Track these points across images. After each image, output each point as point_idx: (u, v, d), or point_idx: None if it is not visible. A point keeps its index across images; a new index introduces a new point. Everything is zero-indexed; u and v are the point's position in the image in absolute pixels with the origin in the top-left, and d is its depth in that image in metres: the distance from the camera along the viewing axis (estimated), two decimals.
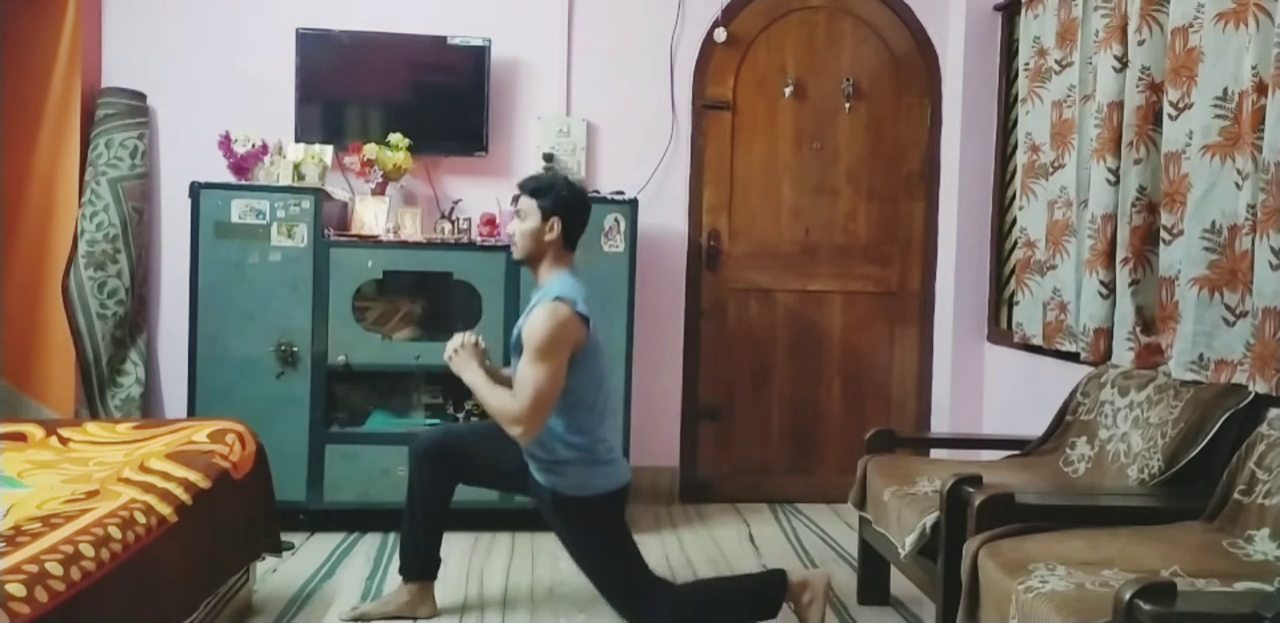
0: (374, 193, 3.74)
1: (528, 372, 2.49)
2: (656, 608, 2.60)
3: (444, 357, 2.68)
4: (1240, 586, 1.87)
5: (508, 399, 2.51)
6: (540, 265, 2.67)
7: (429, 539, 2.81)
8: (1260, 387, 2.34)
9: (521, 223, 2.64)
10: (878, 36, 4.19)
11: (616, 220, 3.62)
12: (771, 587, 2.66)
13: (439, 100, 3.91)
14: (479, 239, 3.67)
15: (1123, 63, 2.97)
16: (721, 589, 2.74)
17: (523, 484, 2.70)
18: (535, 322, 2.50)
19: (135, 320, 3.82)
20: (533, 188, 2.66)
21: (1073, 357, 3.25)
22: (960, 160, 4.02)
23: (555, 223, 2.62)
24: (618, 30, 4.07)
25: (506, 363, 2.86)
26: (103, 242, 3.70)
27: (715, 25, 4.08)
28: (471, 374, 2.62)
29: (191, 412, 3.45)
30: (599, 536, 2.64)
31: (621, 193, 3.73)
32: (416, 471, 2.77)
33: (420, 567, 2.82)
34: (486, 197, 3.87)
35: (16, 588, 1.61)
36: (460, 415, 3.66)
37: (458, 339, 2.68)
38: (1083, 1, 3.21)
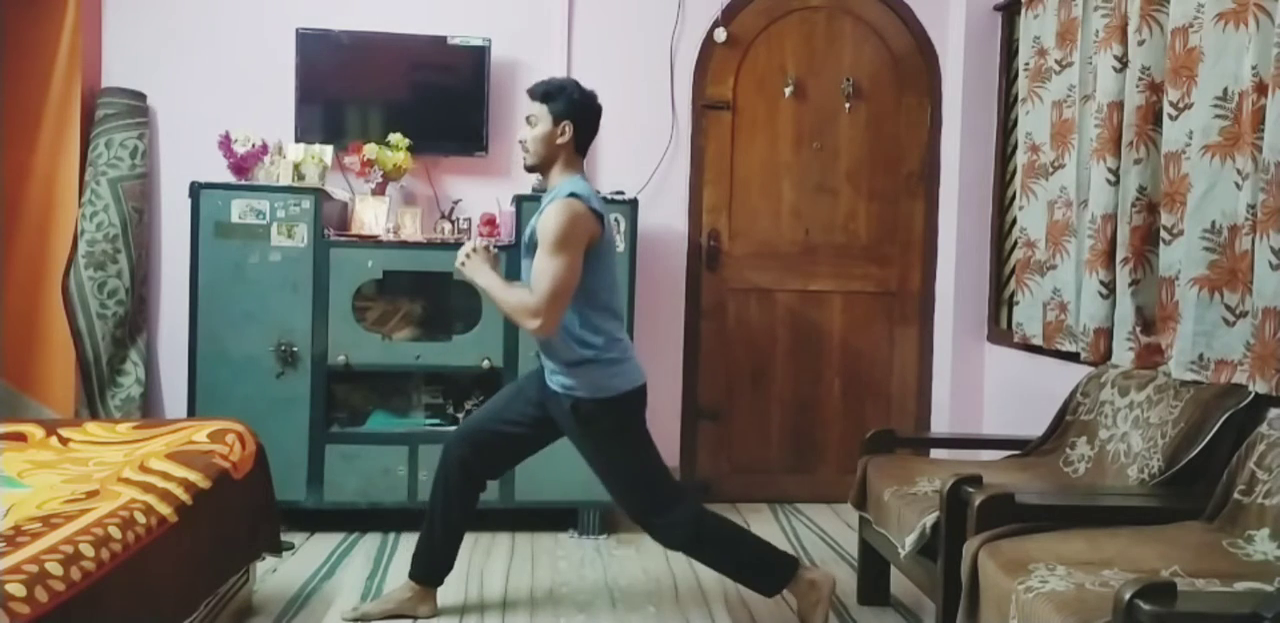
0: (374, 193, 3.74)
1: (545, 263, 2.47)
2: (676, 517, 2.60)
3: (455, 264, 2.65)
4: (1240, 586, 1.87)
5: (525, 294, 2.51)
6: (552, 170, 2.66)
7: (445, 547, 2.81)
8: (1260, 387, 2.34)
9: (532, 128, 2.64)
10: (878, 36, 4.19)
11: (616, 220, 3.61)
12: (783, 566, 2.67)
13: (439, 100, 3.90)
14: (479, 239, 3.66)
15: (1123, 63, 2.97)
16: (742, 536, 2.73)
17: (544, 419, 2.68)
18: (549, 217, 2.49)
19: (135, 320, 3.82)
20: (543, 91, 2.65)
21: (1073, 357, 3.25)
22: (960, 160, 4.02)
23: (566, 126, 2.62)
24: (618, 30, 4.07)
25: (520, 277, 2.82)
26: (103, 242, 3.70)
27: (715, 25, 4.08)
28: (486, 277, 2.60)
29: (191, 412, 3.45)
30: (620, 438, 2.63)
31: (621, 193, 3.73)
32: (441, 481, 2.77)
33: (431, 572, 2.82)
34: (486, 197, 3.87)
35: (16, 588, 1.61)
36: (460, 416, 3.65)
37: (469, 244, 2.66)
38: (1083, 1, 3.21)
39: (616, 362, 2.62)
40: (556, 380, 2.63)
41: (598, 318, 2.59)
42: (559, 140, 2.62)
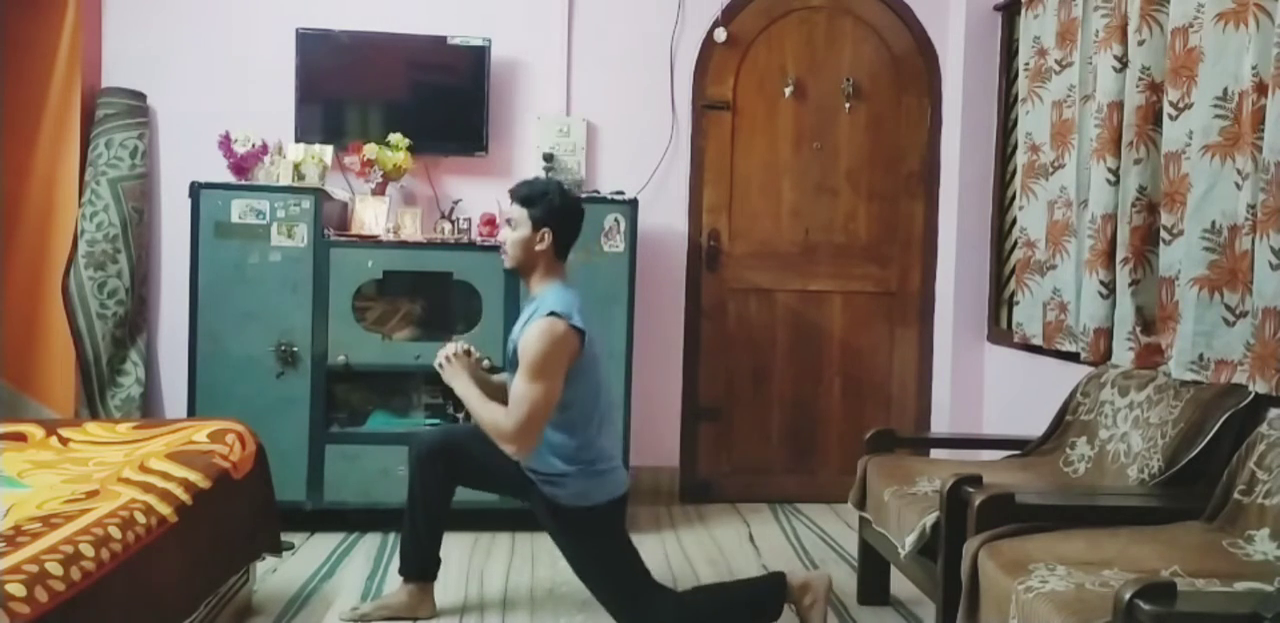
0: (374, 193, 3.74)
1: (522, 389, 2.47)
2: (657, 616, 2.59)
3: (435, 365, 2.67)
4: (1240, 586, 1.87)
5: (500, 416, 2.50)
6: (532, 275, 2.65)
7: (429, 540, 2.81)
8: (1260, 387, 2.34)
9: (512, 232, 2.62)
10: (878, 36, 4.19)
11: (616, 220, 3.62)
12: (772, 590, 2.66)
13: (439, 100, 3.90)
14: (479, 239, 3.67)
15: (1123, 63, 2.97)
16: (723, 595, 2.72)
17: (522, 490, 2.69)
18: (530, 339, 2.49)
19: (135, 320, 3.82)
20: (524, 195, 2.63)
21: (1073, 357, 3.25)
22: (960, 160, 4.02)
23: (546, 233, 2.60)
24: (618, 30, 4.07)
25: (504, 368, 2.85)
26: (103, 242, 3.70)
27: (715, 25, 4.08)
28: (463, 386, 2.61)
29: (191, 412, 3.45)
30: (599, 544, 2.64)
31: (621, 193, 3.73)
32: (416, 472, 2.77)
33: (420, 568, 2.82)
34: (486, 197, 3.87)
35: (16, 588, 1.61)
36: (460, 416, 3.65)
37: (450, 348, 2.66)
38: (1083, 1, 3.21)
39: (599, 473, 2.62)
40: (538, 486, 2.63)
41: (580, 432, 2.59)
42: (538, 247, 2.60)
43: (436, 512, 2.79)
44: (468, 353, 2.67)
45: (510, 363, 2.63)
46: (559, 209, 2.61)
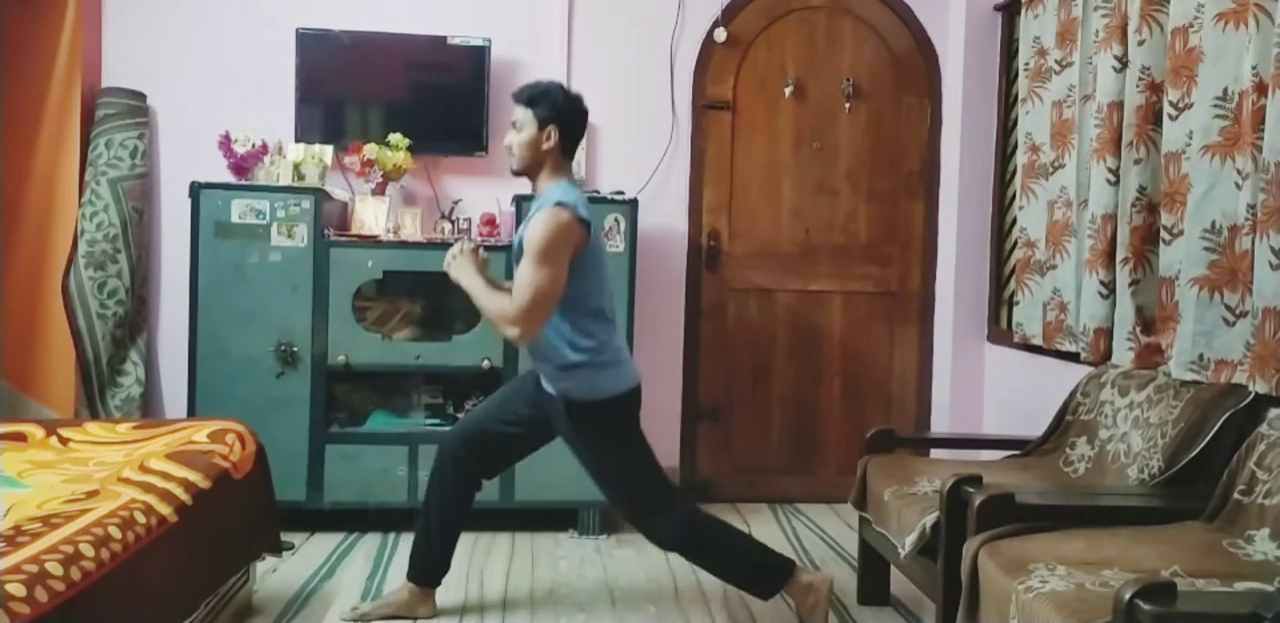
0: (374, 193, 3.74)
1: (527, 272, 2.47)
2: (670, 520, 2.60)
3: (443, 264, 2.67)
4: (1240, 586, 1.87)
5: (505, 302, 2.51)
6: (539, 175, 2.65)
7: (442, 546, 2.80)
8: (1260, 387, 2.34)
9: (518, 133, 2.62)
10: (878, 36, 4.19)
11: (616, 220, 3.62)
12: (779, 569, 2.67)
13: (439, 100, 3.91)
14: (479, 239, 3.67)
15: (1123, 63, 2.97)
16: (737, 539, 2.72)
17: (540, 415, 2.68)
18: (536, 226, 2.49)
19: (135, 320, 3.82)
20: (528, 96, 2.63)
21: (1073, 357, 3.25)
22: (960, 160, 4.01)
23: (552, 131, 2.60)
24: (618, 30, 4.07)
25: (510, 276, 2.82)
26: (103, 242, 3.70)
27: (715, 25, 4.08)
28: (470, 279, 2.61)
29: (191, 412, 3.45)
30: (614, 439, 2.64)
31: (621, 193, 3.73)
32: (436, 480, 2.77)
33: (429, 573, 2.82)
34: (486, 197, 3.87)
35: (16, 588, 1.61)
36: (460, 416, 3.65)
37: (457, 246, 2.67)
38: (1083, 1, 3.21)
39: (609, 364, 2.62)
40: (550, 383, 2.64)
41: (588, 322, 2.60)
42: (545, 145, 2.61)
43: (454, 517, 2.80)
44: (475, 251, 2.67)
45: (516, 259, 2.61)
46: (563, 107, 2.62)
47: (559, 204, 2.51)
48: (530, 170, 2.65)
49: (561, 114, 2.61)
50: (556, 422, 2.67)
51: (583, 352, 2.58)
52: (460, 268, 2.63)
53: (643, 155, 4.07)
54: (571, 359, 2.58)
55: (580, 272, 2.55)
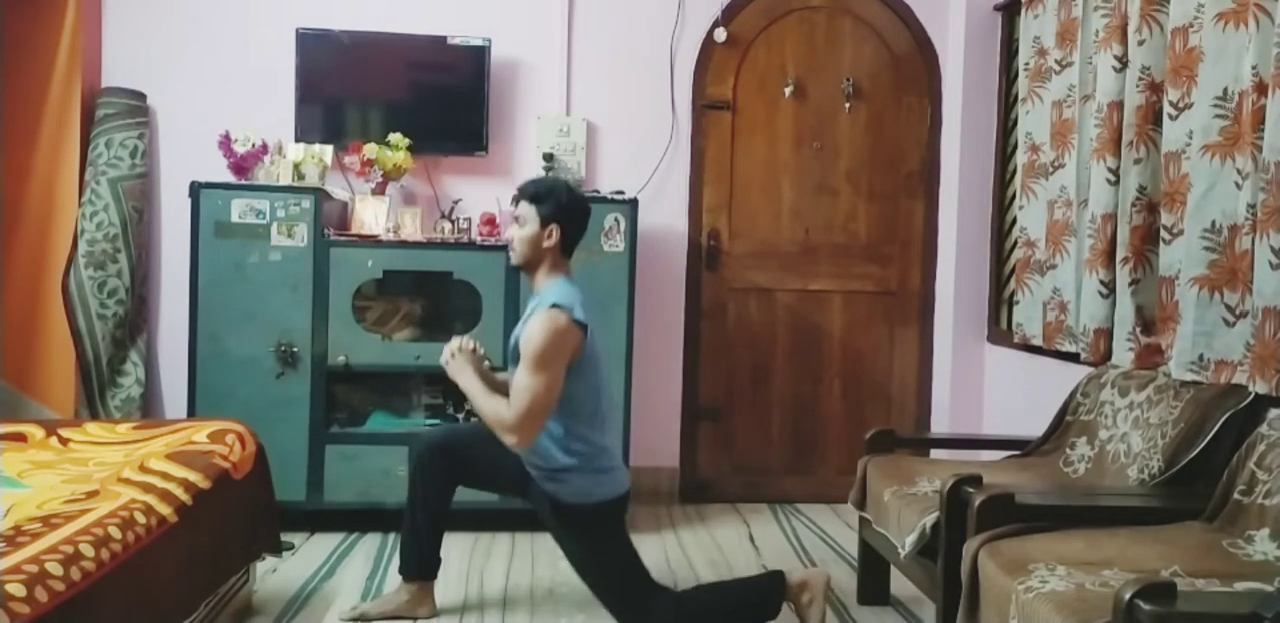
0: (374, 193, 3.74)
1: (524, 380, 2.48)
2: (656, 616, 2.60)
3: (440, 361, 2.69)
4: (1240, 586, 1.87)
5: (503, 407, 2.51)
6: (538, 272, 2.67)
7: (429, 539, 2.81)
8: (1260, 387, 2.34)
9: (520, 229, 2.64)
10: (878, 36, 4.19)
11: (616, 220, 3.62)
12: (771, 589, 2.66)
13: (439, 100, 3.91)
14: (479, 239, 3.67)
15: (1123, 63, 2.97)
16: (721, 594, 2.73)
17: (523, 488, 2.69)
18: (532, 330, 2.50)
19: (135, 320, 3.82)
20: (532, 194, 2.66)
21: (1073, 357, 3.25)
22: (960, 160, 4.02)
23: (554, 230, 2.62)
24: (618, 30, 4.07)
25: (506, 366, 2.86)
26: (103, 242, 3.70)
27: (715, 25, 4.08)
28: (467, 380, 2.63)
29: (191, 412, 3.45)
30: (599, 543, 2.64)
31: (621, 193, 3.73)
32: (417, 471, 2.78)
33: (420, 567, 2.82)
34: (486, 197, 3.87)
35: (16, 588, 1.61)
36: (460, 416, 3.65)
37: (455, 342, 2.69)
38: (1083, 1, 3.21)
39: (601, 471, 2.63)
40: (540, 483, 2.63)
41: (582, 426, 2.60)
42: (545, 243, 2.62)
43: (437, 511, 2.79)
44: (474, 350, 2.68)
45: (512, 358, 2.63)
46: (567, 207, 2.64)
47: (555, 307, 2.51)
48: (529, 266, 2.67)
49: (565, 213, 2.63)
50: (542, 514, 2.68)
51: (575, 456, 2.59)
52: (458, 368, 2.65)
53: (643, 155, 4.07)
54: (563, 463, 2.59)
55: (577, 374, 2.55)
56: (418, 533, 2.79)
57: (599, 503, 2.61)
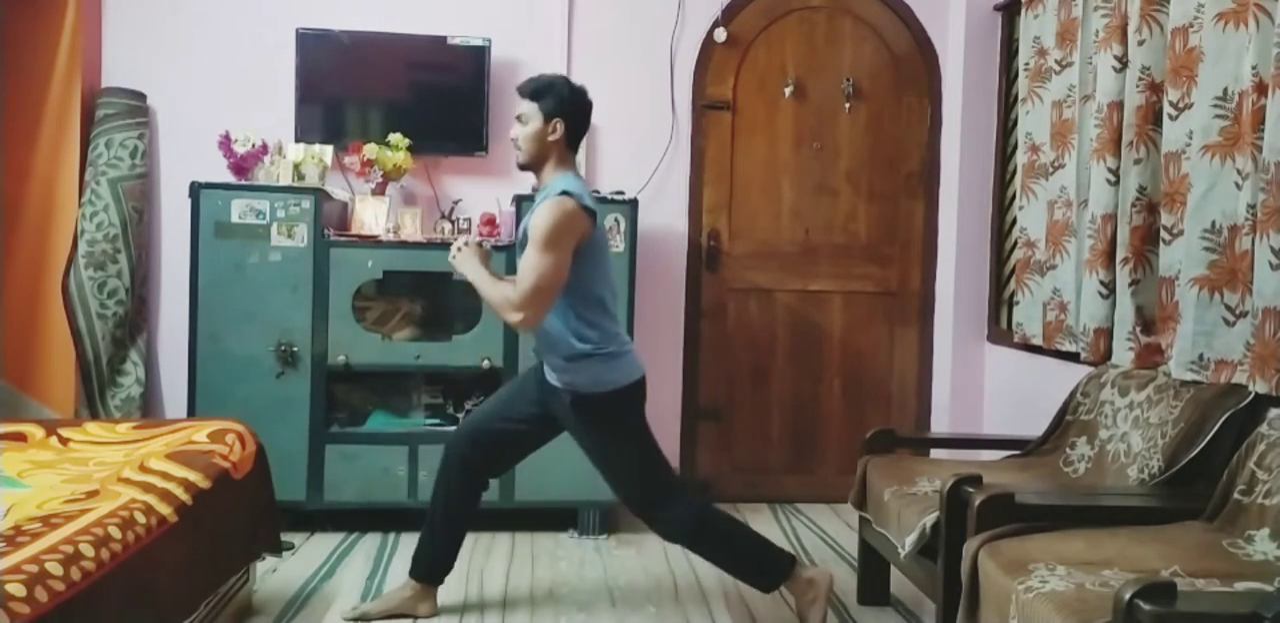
0: (374, 193, 3.74)
1: (531, 259, 2.48)
2: (676, 511, 2.60)
3: (448, 257, 2.67)
4: (1240, 586, 1.87)
5: (509, 289, 2.51)
6: (544, 168, 2.65)
7: (447, 545, 2.81)
8: (1260, 387, 2.34)
9: (523, 126, 2.63)
10: (878, 36, 4.19)
11: (616, 220, 3.62)
12: (781, 563, 2.68)
13: (439, 100, 3.90)
14: (479, 239, 3.66)
15: (1123, 63, 2.97)
16: (741, 532, 2.73)
17: (544, 410, 2.69)
18: (540, 214, 2.50)
19: (135, 320, 3.82)
20: (533, 89, 2.64)
21: (1073, 357, 3.25)
22: (960, 160, 4.01)
23: (558, 124, 2.62)
24: (618, 30, 4.06)
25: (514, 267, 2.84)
26: (103, 242, 3.70)
27: (715, 25, 4.08)
28: (474, 270, 2.61)
29: (191, 412, 3.45)
30: (620, 432, 2.64)
31: (621, 193, 3.73)
32: (446, 471, 2.78)
33: (432, 571, 2.82)
34: (486, 197, 3.87)
35: (16, 588, 1.61)
36: (460, 416, 3.65)
37: (462, 238, 2.68)
38: (1083, 1, 3.21)
39: (614, 355, 2.62)
40: (555, 376, 2.64)
41: (593, 313, 2.60)
42: (550, 138, 2.62)
43: (459, 522, 2.80)
44: (480, 245, 2.68)
45: (521, 249, 2.61)
46: (568, 100, 2.64)
47: (564, 193, 2.52)
48: (535, 163, 2.66)
49: (567, 107, 2.63)
50: (562, 416, 2.68)
51: (588, 342, 2.59)
52: (465, 260, 2.64)
53: (643, 155, 4.07)
54: (578, 349, 2.59)
55: (585, 262, 2.56)
56: (436, 537, 2.80)
57: (616, 390, 2.61)
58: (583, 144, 3.95)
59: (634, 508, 2.68)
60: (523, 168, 2.71)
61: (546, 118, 2.62)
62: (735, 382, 4.19)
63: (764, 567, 2.69)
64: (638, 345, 3.68)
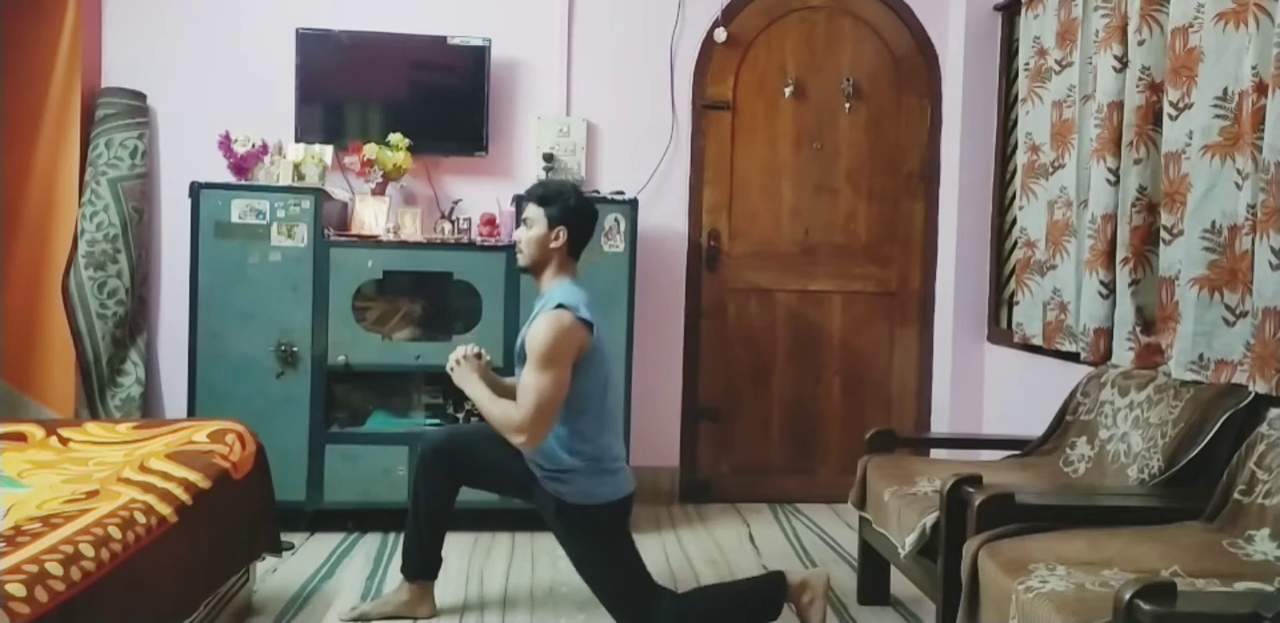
0: (374, 193, 3.74)
1: (531, 379, 2.49)
2: (657, 618, 2.60)
3: (446, 369, 2.70)
4: (1240, 586, 1.87)
5: (510, 409, 2.51)
6: (544, 273, 2.68)
7: (431, 540, 2.81)
8: (1260, 387, 2.34)
9: (527, 230, 2.65)
10: (878, 36, 4.19)
11: (616, 220, 3.62)
12: (772, 589, 2.67)
13: (439, 100, 3.90)
14: (479, 239, 3.67)
15: (1123, 63, 2.97)
16: (723, 595, 2.72)
17: (527, 489, 2.69)
18: (538, 330, 2.51)
19: (135, 320, 3.82)
20: (540, 195, 2.67)
21: (1073, 357, 3.25)
22: (960, 160, 4.02)
23: (561, 232, 2.63)
24: (618, 30, 4.07)
25: (510, 372, 2.86)
26: (103, 242, 3.70)
27: (715, 25, 4.08)
28: (473, 387, 2.63)
29: (191, 412, 3.45)
30: (602, 544, 2.64)
31: (621, 193, 3.73)
32: (421, 471, 2.77)
33: (421, 567, 2.82)
34: (486, 197, 3.87)
35: (16, 588, 1.61)
36: (460, 416, 3.65)
37: (459, 351, 2.69)
38: (1083, 1, 3.21)
39: (606, 472, 2.62)
40: (543, 483, 2.63)
41: (587, 427, 2.60)
42: (553, 244, 2.64)
43: (440, 511, 2.79)
44: (478, 356, 2.69)
45: (519, 360, 2.64)
46: (574, 209, 2.65)
47: (560, 307, 2.52)
48: (536, 268, 2.68)
49: (572, 215, 2.64)
50: (545, 515, 2.68)
51: (579, 457, 2.59)
52: (463, 376, 2.66)
53: (643, 155, 4.07)
54: (567, 463, 2.59)
55: (583, 374, 2.56)
56: (420, 533, 2.79)
57: (603, 504, 2.61)
58: (583, 145, 4.01)
59: (616, 617, 2.66)
60: (523, 271, 2.74)
61: (551, 224, 2.63)
62: (735, 382, 4.19)
63: (761, 605, 2.67)
64: (638, 345, 3.72)
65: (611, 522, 2.65)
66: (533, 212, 2.65)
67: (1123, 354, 2.90)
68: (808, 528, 3.83)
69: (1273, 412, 2.35)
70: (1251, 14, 2.40)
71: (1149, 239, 2.86)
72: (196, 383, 3.46)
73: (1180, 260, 2.64)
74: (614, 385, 2.72)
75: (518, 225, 2.73)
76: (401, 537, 3.34)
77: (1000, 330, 3.92)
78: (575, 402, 2.56)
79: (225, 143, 3.58)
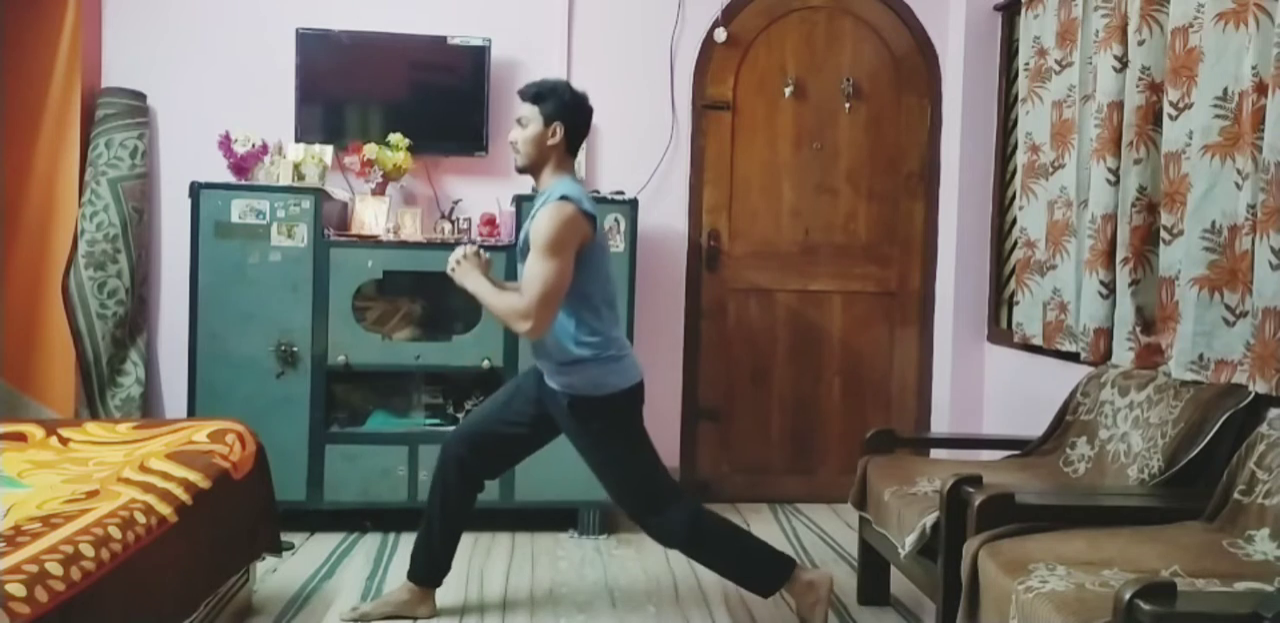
0: (374, 193, 3.74)
1: (536, 267, 2.48)
2: (673, 515, 2.60)
3: (447, 270, 2.67)
4: (1240, 586, 1.87)
5: (515, 299, 2.52)
6: (543, 172, 2.66)
7: (444, 546, 2.81)
8: (1260, 387, 2.34)
9: (523, 130, 2.63)
10: (878, 36, 4.19)
11: (616, 220, 3.62)
12: (780, 566, 2.68)
13: (439, 100, 3.90)
14: (479, 239, 3.67)
15: (1123, 63, 2.97)
16: (739, 536, 2.72)
17: (542, 413, 2.69)
18: (541, 220, 2.50)
19: (135, 320, 3.82)
20: (535, 92, 2.64)
21: (1073, 357, 3.25)
22: (960, 160, 4.02)
23: (558, 128, 2.62)
24: (618, 30, 4.07)
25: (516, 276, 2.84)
26: (103, 242, 3.70)
27: (715, 25, 4.08)
28: (476, 282, 2.62)
29: (191, 412, 3.45)
30: (617, 436, 2.64)
31: (621, 193, 3.73)
32: (443, 472, 2.78)
33: (430, 573, 2.82)
34: (486, 197, 3.87)
35: (16, 588, 1.61)
36: (460, 416, 3.65)
37: (460, 251, 2.67)
38: (1083, 1, 3.21)
39: (613, 359, 2.62)
40: (553, 379, 2.64)
41: (592, 317, 2.60)
42: (550, 142, 2.62)
43: (457, 517, 2.80)
44: (478, 254, 2.67)
45: (521, 254, 2.62)
46: (569, 104, 2.64)
47: (563, 198, 2.52)
48: (534, 167, 2.66)
49: (568, 111, 2.63)
50: (559, 418, 2.68)
51: (586, 346, 2.59)
52: (465, 272, 2.64)
53: (643, 155, 4.07)
54: (575, 354, 2.59)
55: (585, 266, 2.56)
56: (433, 539, 2.79)
57: (613, 394, 2.61)
58: (583, 145, 4.00)
59: (629, 512, 2.67)
60: (521, 171, 2.71)
61: (547, 121, 2.61)
62: (735, 382, 4.19)
63: (762, 571, 2.68)
64: (638, 345, 3.70)
65: (623, 411, 2.65)
66: (527, 110, 2.63)
67: (1123, 354, 2.90)
68: (808, 528, 3.83)
69: (1273, 412, 2.35)
70: (1251, 14, 2.40)
71: (1149, 239, 2.86)
72: (196, 383, 3.45)
73: (1180, 260, 2.64)
74: (613, 281, 2.71)
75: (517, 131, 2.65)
76: (401, 537, 3.35)
77: (1000, 330, 3.92)
78: (580, 292, 2.56)
79: (225, 143, 3.58)
